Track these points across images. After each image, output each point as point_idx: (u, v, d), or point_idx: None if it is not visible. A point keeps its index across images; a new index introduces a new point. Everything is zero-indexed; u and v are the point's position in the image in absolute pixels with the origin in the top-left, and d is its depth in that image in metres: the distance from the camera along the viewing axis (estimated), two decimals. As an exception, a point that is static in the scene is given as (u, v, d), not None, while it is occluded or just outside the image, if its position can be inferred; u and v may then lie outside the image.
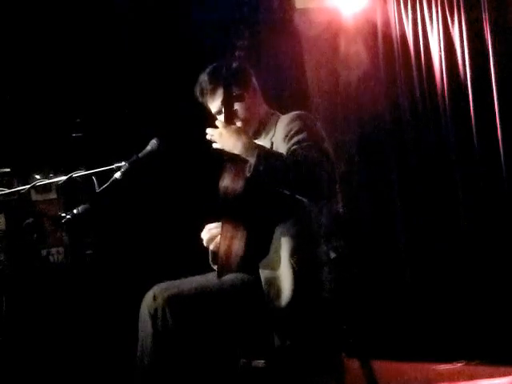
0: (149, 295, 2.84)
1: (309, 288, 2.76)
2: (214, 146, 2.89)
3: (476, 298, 4.36)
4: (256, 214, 2.87)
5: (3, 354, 3.50)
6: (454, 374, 4.05)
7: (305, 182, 2.72)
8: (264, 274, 2.81)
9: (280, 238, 2.83)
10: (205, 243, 3.11)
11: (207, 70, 3.04)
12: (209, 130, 2.89)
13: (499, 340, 4.20)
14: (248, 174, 2.73)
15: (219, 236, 3.01)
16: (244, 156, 2.78)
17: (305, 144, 2.77)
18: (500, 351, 4.12)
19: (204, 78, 3.01)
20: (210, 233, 3.09)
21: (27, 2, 4.17)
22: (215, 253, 3.05)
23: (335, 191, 2.92)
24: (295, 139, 2.80)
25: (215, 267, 3.02)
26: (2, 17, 4.12)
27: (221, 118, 2.96)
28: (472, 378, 3.87)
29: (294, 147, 2.78)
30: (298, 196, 2.76)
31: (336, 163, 2.95)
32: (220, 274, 2.90)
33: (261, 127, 3.02)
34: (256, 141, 2.93)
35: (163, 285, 2.88)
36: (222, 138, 2.84)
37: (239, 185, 2.86)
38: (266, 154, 2.75)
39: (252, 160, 2.72)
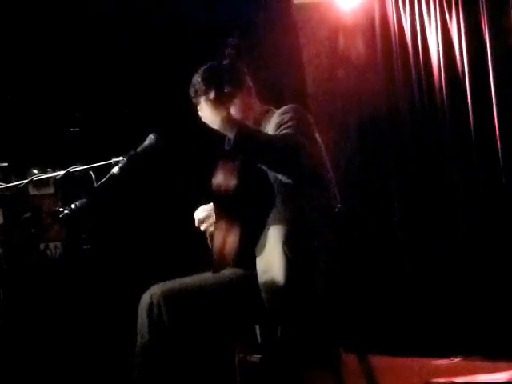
0: (147, 293, 2.85)
1: (302, 276, 2.77)
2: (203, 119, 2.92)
3: (474, 293, 4.37)
4: (249, 210, 2.87)
5: (0, 348, 3.50)
6: (451, 368, 4.06)
7: (284, 157, 2.74)
8: (259, 263, 2.81)
9: (273, 226, 2.84)
10: (196, 223, 3.13)
11: (200, 70, 3.05)
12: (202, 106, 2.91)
13: (497, 335, 4.20)
14: (227, 148, 2.74)
15: (211, 218, 3.05)
16: (222, 131, 2.80)
17: (290, 129, 2.81)
18: (498, 346, 4.13)
19: (197, 78, 3.02)
20: (204, 213, 3.11)
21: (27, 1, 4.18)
22: (211, 234, 3.07)
23: (324, 179, 2.93)
24: (283, 126, 2.84)
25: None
26: (2, 12, 4.12)
27: None
28: (470, 372, 3.88)
29: (279, 131, 2.81)
30: (277, 173, 2.78)
31: (335, 157, 2.97)
32: (215, 270, 2.91)
33: (255, 124, 3.03)
34: None
35: (161, 283, 2.89)
36: (202, 112, 2.87)
37: (233, 181, 2.87)
38: (247, 130, 2.76)
39: (231, 135, 2.73)
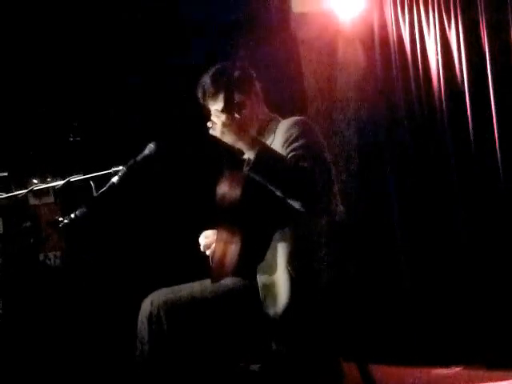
0: (147, 300, 2.85)
1: (306, 294, 2.75)
2: (211, 132, 2.87)
3: (474, 301, 4.36)
4: (252, 220, 2.86)
5: (1, 358, 3.49)
6: (452, 377, 4.05)
7: (299, 188, 2.72)
8: (261, 279, 2.80)
9: (277, 244, 2.83)
10: (202, 249, 3.12)
11: (209, 72, 3.02)
12: (213, 118, 2.86)
13: (498, 344, 4.19)
14: (245, 170, 2.73)
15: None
16: (245, 151, 2.79)
17: (302, 151, 2.77)
18: (499, 355, 4.11)
19: (206, 80, 3.00)
20: (208, 239, 3.10)
21: (26, 7, 4.17)
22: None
23: (331, 198, 2.92)
24: (293, 146, 2.80)
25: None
26: (1, 22, 4.12)
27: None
28: (471, 381, 3.87)
29: (291, 154, 2.78)
30: (289, 201, 2.75)
31: (334, 167, 2.96)
32: (214, 280, 2.90)
33: (261, 131, 3.02)
34: None
35: (162, 290, 2.89)
36: (225, 128, 2.80)
37: (236, 192, 2.86)
38: (267, 153, 2.75)
39: (252, 156, 2.72)
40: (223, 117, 2.81)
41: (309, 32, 4.85)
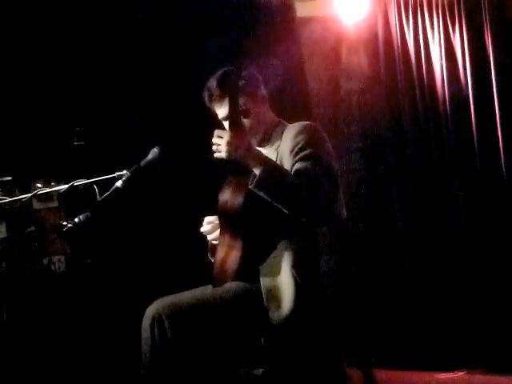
0: (150, 308, 2.84)
1: (310, 299, 2.75)
2: (216, 155, 2.85)
3: (478, 306, 4.36)
4: (254, 226, 2.86)
5: (4, 363, 3.49)
6: (455, 382, 4.06)
7: (303, 205, 2.72)
8: (265, 283, 2.79)
9: (281, 248, 2.82)
10: (204, 233, 3.12)
11: (216, 75, 3.00)
12: (216, 140, 2.85)
13: (501, 348, 4.19)
14: (250, 186, 2.72)
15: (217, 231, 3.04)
16: (250, 167, 2.77)
17: (309, 163, 2.75)
18: (502, 360, 4.12)
19: (212, 83, 2.97)
20: (209, 226, 3.10)
21: (28, 12, 4.19)
22: (213, 246, 3.07)
23: (335, 207, 2.91)
24: (300, 155, 2.78)
25: (213, 259, 3.04)
26: (3, 28, 4.13)
27: (227, 124, 2.94)
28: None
29: (298, 165, 2.77)
30: (294, 215, 2.75)
31: (339, 173, 2.97)
32: (215, 284, 2.90)
33: (266, 136, 3.00)
34: (261, 149, 2.94)
35: (165, 298, 2.88)
36: (229, 147, 2.76)
37: (240, 199, 2.86)
38: (272, 170, 2.73)
39: (257, 172, 2.71)
40: (227, 135, 2.79)
41: (313, 36, 4.86)
